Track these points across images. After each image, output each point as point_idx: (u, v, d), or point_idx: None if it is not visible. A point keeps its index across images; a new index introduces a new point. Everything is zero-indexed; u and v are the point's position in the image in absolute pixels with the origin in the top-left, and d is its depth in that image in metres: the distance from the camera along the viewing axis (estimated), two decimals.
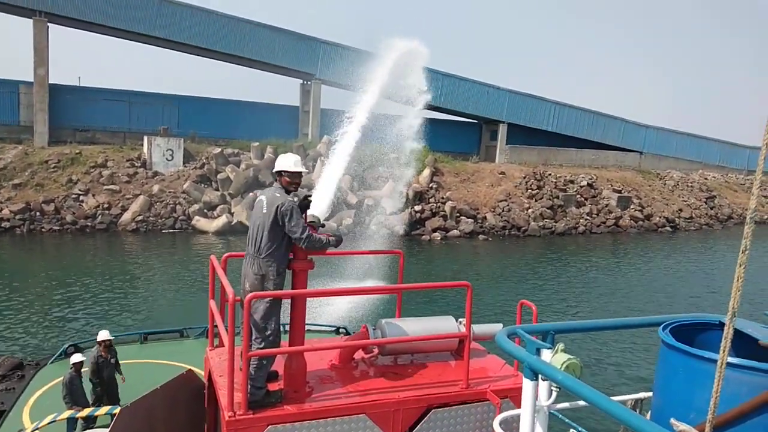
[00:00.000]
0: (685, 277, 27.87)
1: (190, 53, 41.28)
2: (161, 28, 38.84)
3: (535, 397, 3.60)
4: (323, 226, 5.57)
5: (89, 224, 30.39)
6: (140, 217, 31.19)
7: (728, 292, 2.60)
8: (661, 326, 3.72)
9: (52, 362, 11.06)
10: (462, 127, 49.93)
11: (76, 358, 9.05)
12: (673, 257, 32.79)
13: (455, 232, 34.80)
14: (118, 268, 23.50)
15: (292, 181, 5.49)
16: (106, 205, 31.44)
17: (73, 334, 15.57)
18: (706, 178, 51.96)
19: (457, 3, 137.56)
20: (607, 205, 41.76)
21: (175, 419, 6.43)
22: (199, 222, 31.88)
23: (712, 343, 3.58)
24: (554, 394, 3.64)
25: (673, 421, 2.97)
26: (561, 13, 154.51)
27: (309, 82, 43.49)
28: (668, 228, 42.37)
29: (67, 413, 8.41)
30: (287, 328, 5.70)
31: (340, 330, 12.46)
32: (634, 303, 22.03)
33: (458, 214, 35.96)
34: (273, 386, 5.35)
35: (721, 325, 3.73)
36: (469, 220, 35.88)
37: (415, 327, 5.93)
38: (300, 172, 5.53)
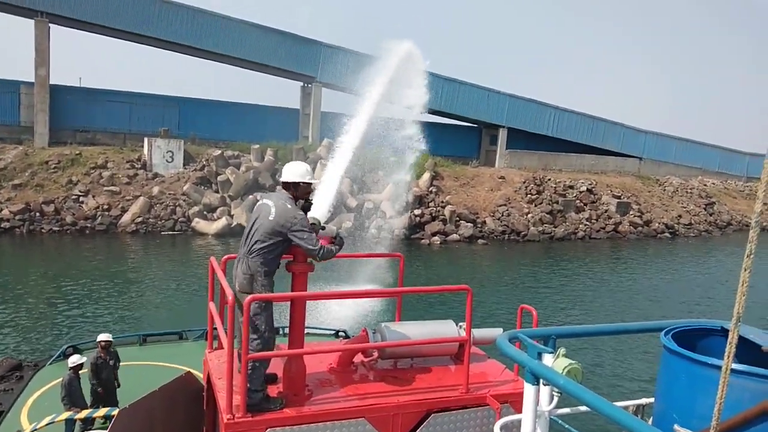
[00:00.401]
0: (683, 283, 27.85)
1: (191, 55, 41.34)
2: (162, 30, 38.86)
3: (537, 402, 3.58)
4: (323, 228, 5.55)
5: (89, 225, 30.37)
6: (140, 219, 31.18)
7: (726, 299, 2.59)
8: (663, 332, 3.71)
9: (50, 363, 11.02)
10: (462, 132, 49.96)
11: (75, 359, 9.04)
12: (671, 263, 32.79)
13: (455, 236, 34.80)
14: (117, 270, 23.47)
15: (303, 192, 5.47)
16: (105, 207, 31.43)
17: (72, 335, 15.54)
18: (705, 185, 51.96)
19: (455, 1, 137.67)
20: (606, 211, 41.76)
21: (174, 421, 6.41)
22: (199, 224, 31.86)
23: (713, 349, 3.57)
24: (555, 399, 3.62)
25: (677, 428, 2.96)
26: (559, 10, 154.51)
27: (310, 85, 43.55)
28: (667, 234, 42.36)
29: (65, 414, 8.39)
30: (287, 331, 5.69)
31: (340, 333, 12.43)
32: (632, 309, 21.99)
33: (458, 219, 35.95)
34: (273, 391, 5.32)
35: (723, 330, 3.73)
36: (469, 224, 35.88)
37: (415, 331, 5.90)
38: (311, 183, 5.53)
